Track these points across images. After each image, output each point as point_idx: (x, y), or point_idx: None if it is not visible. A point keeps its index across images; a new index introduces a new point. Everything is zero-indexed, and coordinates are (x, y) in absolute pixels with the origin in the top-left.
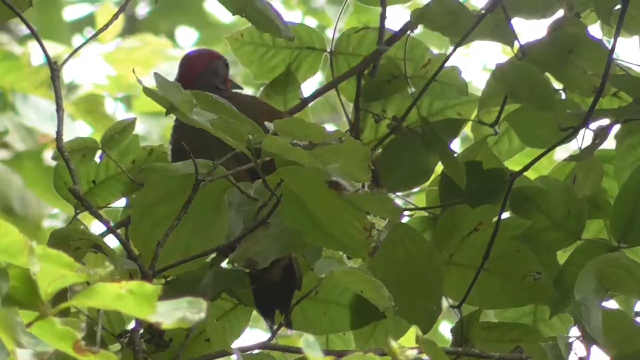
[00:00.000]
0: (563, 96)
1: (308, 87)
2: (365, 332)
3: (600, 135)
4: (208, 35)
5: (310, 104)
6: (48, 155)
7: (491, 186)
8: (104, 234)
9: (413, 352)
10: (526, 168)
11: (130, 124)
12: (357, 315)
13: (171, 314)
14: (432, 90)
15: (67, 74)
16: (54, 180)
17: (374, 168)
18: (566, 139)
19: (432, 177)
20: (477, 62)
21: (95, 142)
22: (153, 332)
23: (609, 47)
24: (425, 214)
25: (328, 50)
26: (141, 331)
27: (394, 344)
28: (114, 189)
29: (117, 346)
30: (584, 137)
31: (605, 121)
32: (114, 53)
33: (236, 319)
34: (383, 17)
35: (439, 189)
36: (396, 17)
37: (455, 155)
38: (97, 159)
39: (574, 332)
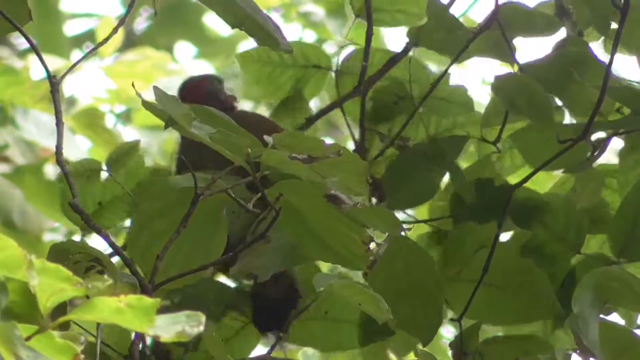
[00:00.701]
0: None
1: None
2: (373, 350)
3: (599, 147)
4: (206, 49)
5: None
6: (48, 169)
7: (499, 201)
8: (111, 255)
9: None
10: (525, 180)
11: (134, 146)
12: (365, 333)
13: (170, 327)
14: (439, 109)
15: (68, 88)
16: (61, 202)
17: (377, 184)
18: (566, 151)
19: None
20: (476, 76)
21: (99, 164)
22: (159, 354)
23: (614, 68)
24: (431, 229)
25: (334, 70)
26: (148, 353)
27: (393, 357)
28: (119, 210)
29: None
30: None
31: (604, 134)
32: (114, 67)
33: (245, 338)
34: (370, 32)
35: (449, 206)
36: (398, 38)
37: (461, 171)
38: (102, 179)
39: None
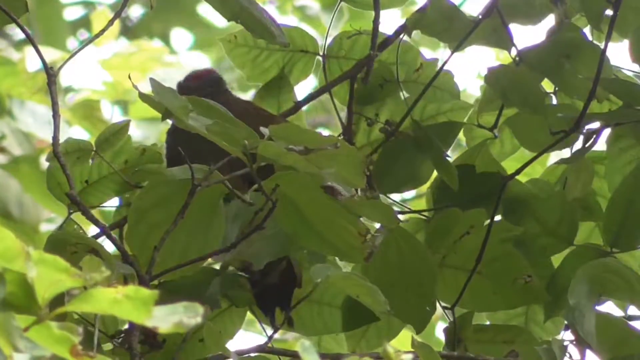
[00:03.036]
0: (554, 100)
1: (301, 90)
2: (358, 333)
3: (591, 138)
4: (202, 37)
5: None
6: (45, 160)
7: (485, 189)
8: (97, 236)
9: (409, 357)
10: (519, 171)
11: (124, 127)
12: (350, 317)
13: (168, 318)
14: (425, 95)
15: (65, 78)
16: (48, 181)
17: (368, 173)
18: (558, 143)
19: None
20: (472, 69)
21: (89, 144)
22: (146, 333)
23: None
24: (419, 216)
25: (321, 53)
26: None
27: (389, 348)
28: (107, 189)
29: (109, 346)
30: (576, 141)
31: (596, 124)
32: (110, 59)
33: (230, 319)
34: (377, 22)
35: (432, 193)
36: (389, 21)
37: (449, 158)
38: (91, 161)
39: (568, 335)
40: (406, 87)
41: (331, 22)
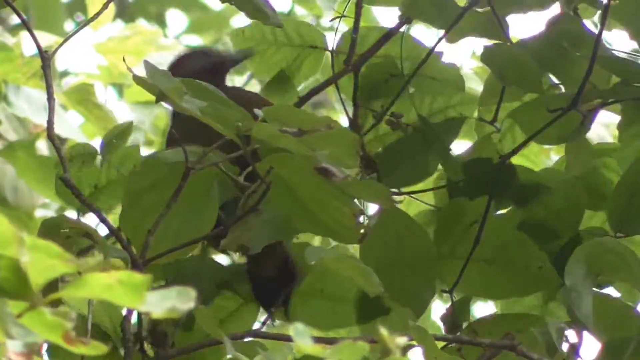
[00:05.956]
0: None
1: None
2: (370, 325)
3: (589, 116)
4: (198, 19)
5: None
6: (40, 145)
7: (489, 179)
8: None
9: (403, 340)
10: (516, 151)
11: (127, 128)
12: (363, 311)
13: (160, 303)
14: (430, 88)
15: (60, 61)
16: (56, 187)
17: (371, 162)
18: (555, 121)
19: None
20: (466, 50)
21: (94, 148)
22: (157, 336)
23: (606, 41)
24: (431, 207)
25: (329, 49)
26: (144, 333)
27: (384, 331)
28: (115, 193)
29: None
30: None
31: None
32: (105, 43)
33: (241, 319)
34: (359, 5)
35: (447, 187)
36: (392, 15)
37: (451, 152)
38: (97, 163)
39: None
40: (412, 82)
41: (339, 21)
